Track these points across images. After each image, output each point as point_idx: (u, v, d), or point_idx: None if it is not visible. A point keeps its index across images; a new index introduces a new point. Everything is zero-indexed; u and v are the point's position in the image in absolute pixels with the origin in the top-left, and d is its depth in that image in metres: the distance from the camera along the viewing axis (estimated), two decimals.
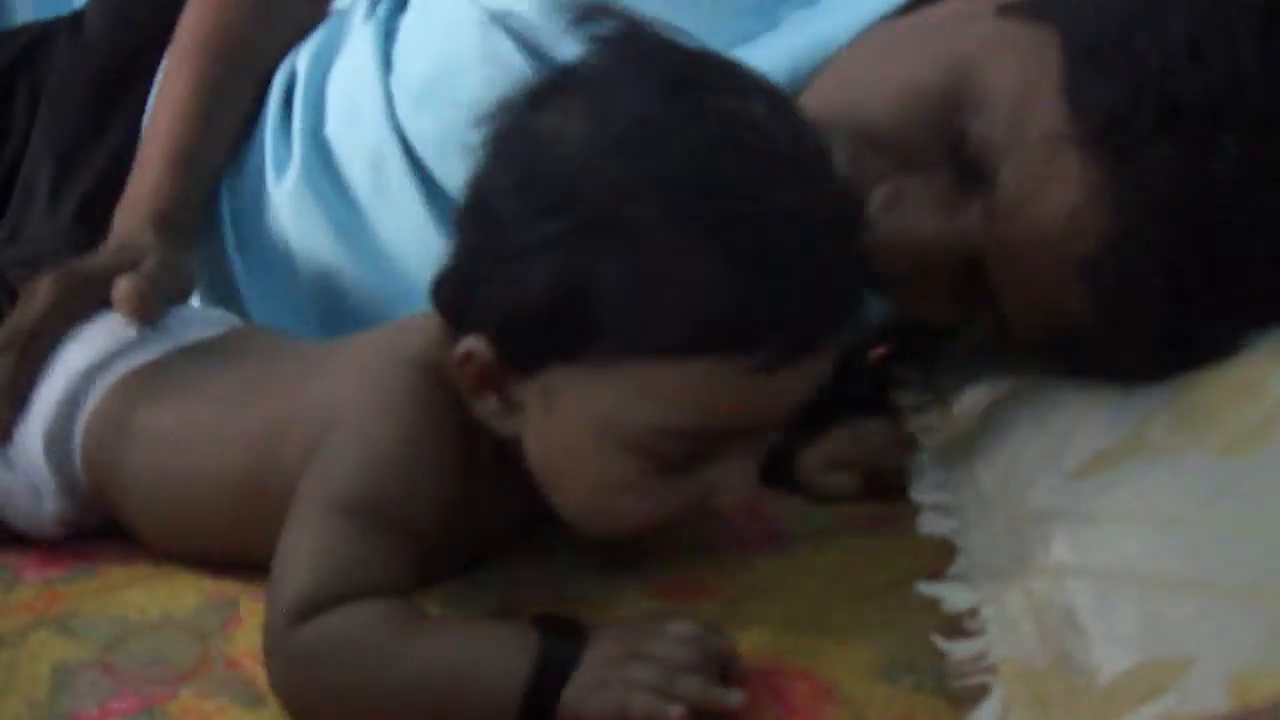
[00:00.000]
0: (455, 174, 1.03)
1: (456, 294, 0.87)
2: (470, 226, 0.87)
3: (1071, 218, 0.92)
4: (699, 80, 0.84)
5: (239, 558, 0.95)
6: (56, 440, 1.02)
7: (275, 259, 1.27)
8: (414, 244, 1.22)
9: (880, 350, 1.33)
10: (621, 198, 0.80)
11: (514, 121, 0.86)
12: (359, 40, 1.28)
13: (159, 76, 1.31)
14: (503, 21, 1.16)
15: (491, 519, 0.94)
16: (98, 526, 1.03)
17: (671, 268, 0.79)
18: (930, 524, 0.96)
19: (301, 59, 1.31)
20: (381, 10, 1.29)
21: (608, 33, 0.86)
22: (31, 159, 1.36)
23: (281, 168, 1.28)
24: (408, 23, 1.26)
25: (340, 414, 0.88)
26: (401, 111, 1.23)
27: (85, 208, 1.30)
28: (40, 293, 1.05)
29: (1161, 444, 0.87)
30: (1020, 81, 0.94)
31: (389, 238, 1.24)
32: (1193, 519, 0.79)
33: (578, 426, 0.84)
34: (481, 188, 0.86)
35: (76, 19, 1.43)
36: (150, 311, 1.05)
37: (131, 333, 1.05)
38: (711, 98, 0.83)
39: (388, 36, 1.27)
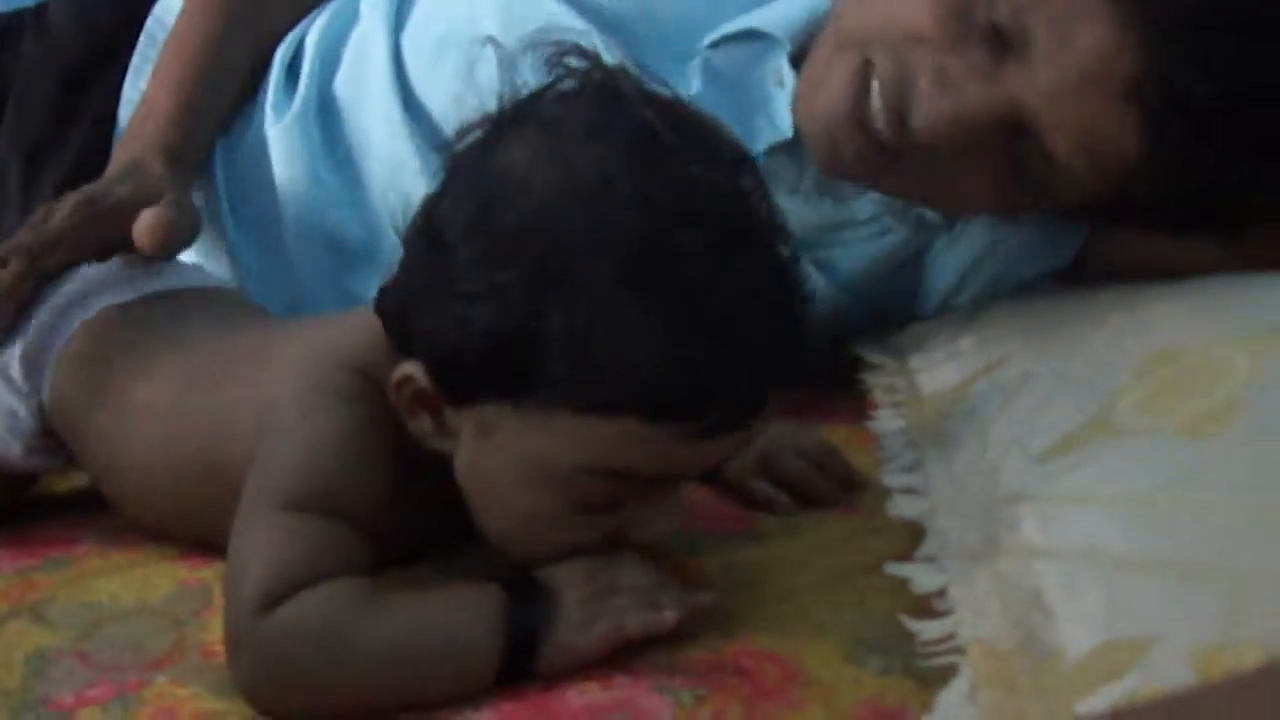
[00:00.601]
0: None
1: (400, 313, 0.88)
2: (421, 251, 0.87)
3: (1107, 48, 1.00)
4: (666, 141, 0.83)
5: (193, 533, 0.97)
6: (33, 365, 1.03)
7: (266, 215, 1.29)
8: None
9: None
10: (574, 255, 0.80)
11: (477, 153, 0.86)
12: (370, 6, 1.31)
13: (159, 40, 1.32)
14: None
15: (437, 510, 0.93)
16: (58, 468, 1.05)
17: (616, 332, 0.79)
18: (900, 507, 0.97)
19: (312, 29, 1.33)
20: None
21: (583, 74, 0.86)
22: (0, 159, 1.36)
23: (280, 111, 1.29)
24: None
25: (278, 414, 0.89)
26: (413, 69, 1.25)
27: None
28: (59, 214, 1.06)
29: (1127, 425, 0.88)
30: None
31: (377, 187, 1.25)
32: (1157, 500, 0.80)
33: (507, 461, 0.85)
34: (437, 215, 0.86)
35: (40, 10, 1.43)
36: (170, 247, 1.07)
37: (114, 266, 1.06)
38: (675, 161, 0.82)
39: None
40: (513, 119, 0.86)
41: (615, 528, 0.87)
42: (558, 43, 0.87)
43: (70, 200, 1.07)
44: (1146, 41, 0.99)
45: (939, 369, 1.14)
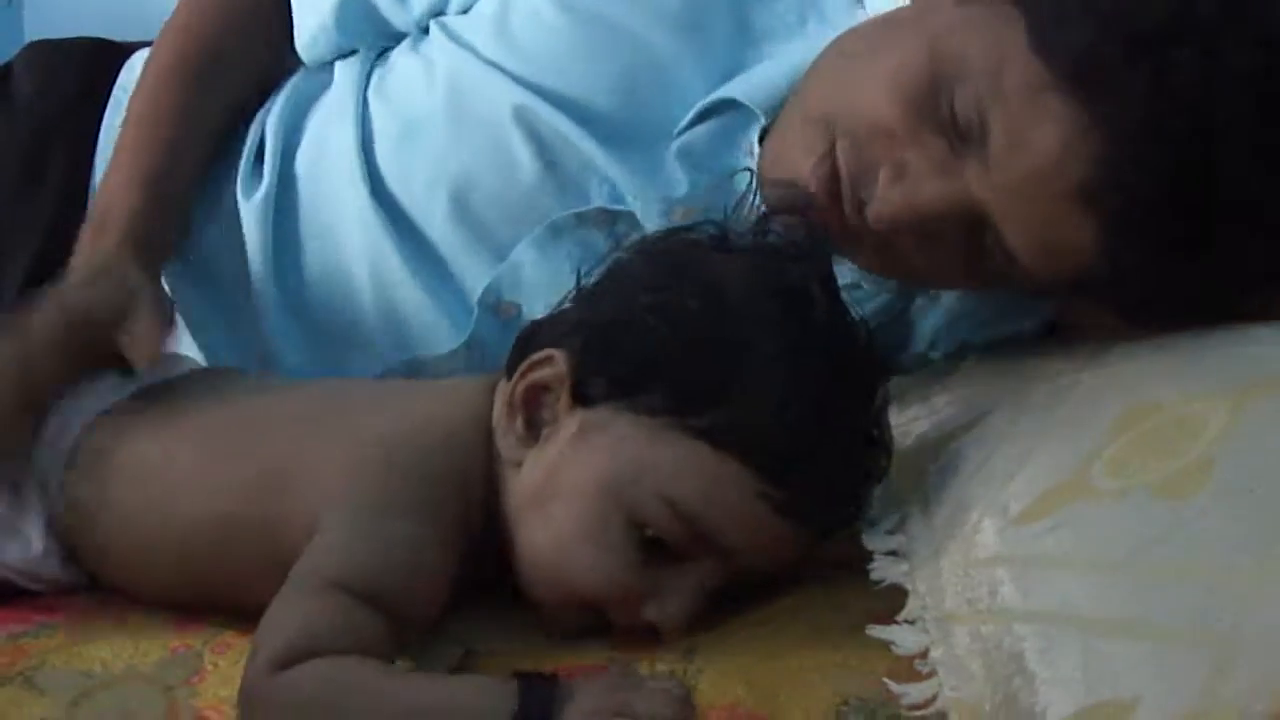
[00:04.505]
0: (435, 213, 1.17)
1: (553, 323, 0.96)
2: (594, 294, 0.98)
3: (1062, 149, 1.01)
4: (828, 290, 0.98)
5: (205, 600, 0.97)
6: (43, 483, 1.03)
7: (237, 289, 1.28)
8: (367, 268, 1.24)
9: None
10: (754, 319, 0.93)
11: (672, 243, 1.00)
12: (340, 87, 1.30)
13: (123, 104, 1.31)
14: (524, 116, 1.21)
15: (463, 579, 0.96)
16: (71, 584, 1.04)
17: (764, 385, 0.91)
18: (882, 570, 0.97)
19: (275, 107, 1.32)
20: (362, 58, 1.31)
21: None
22: None
23: (249, 192, 1.28)
24: (397, 70, 1.29)
25: (350, 494, 0.91)
26: (381, 148, 1.25)
27: (31, 276, 1.28)
28: (44, 336, 1.05)
29: (1103, 486, 0.88)
30: (993, 48, 1.04)
31: (338, 259, 1.25)
32: (1134, 562, 0.81)
33: (594, 466, 0.91)
34: (621, 268, 0.99)
35: (4, 74, 1.42)
36: (159, 355, 1.07)
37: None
38: (849, 312, 0.98)
39: (367, 84, 1.29)
40: (709, 236, 0.99)
41: (640, 591, 0.90)
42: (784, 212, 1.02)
43: (43, 327, 1.06)
44: (1102, 145, 1.00)
45: (915, 427, 1.14)
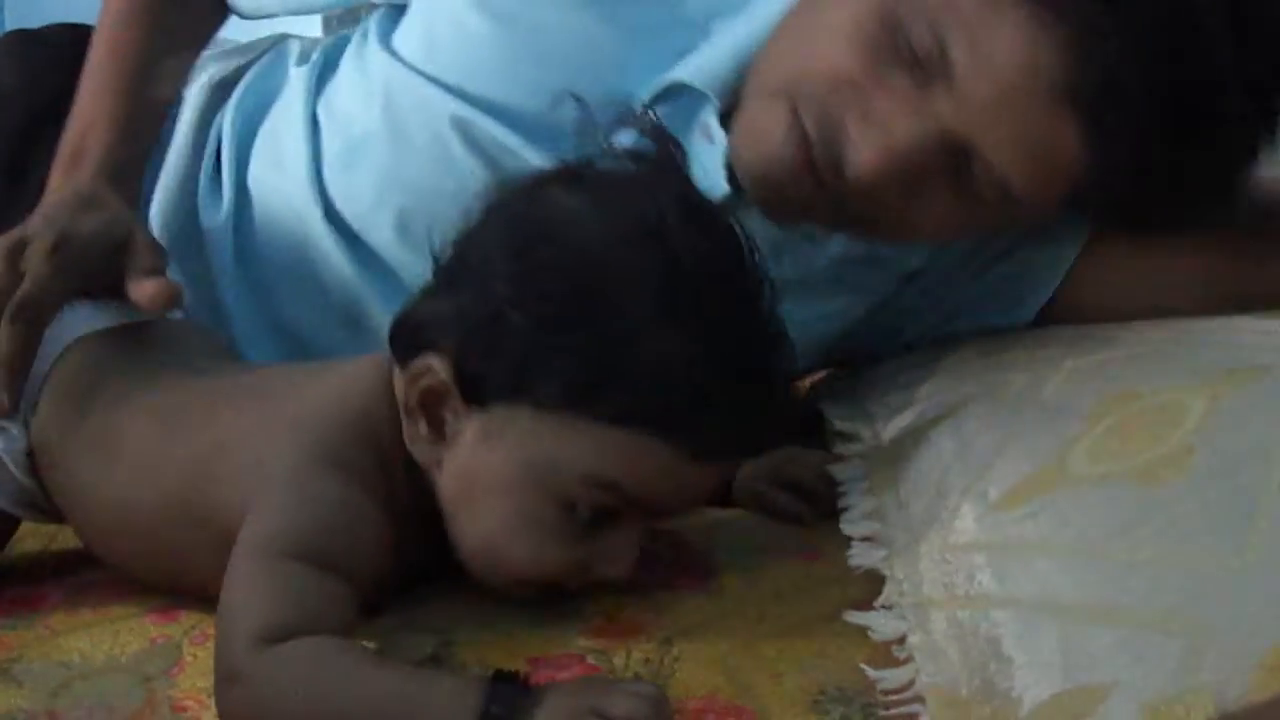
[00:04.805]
0: (382, 229, 1.17)
1: (424, 318, 0.93)
2: (455, 270, 0.93)
3: (1027, 52, 1.00)
4: (697, 204, 0.94)
5: (168, 576, 0.98)
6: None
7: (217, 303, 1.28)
8: (332, 286, 1.24)
9: (810, 380, 1.36)
10: (613, 282, 0.88)
11: (520, 197, 0.94)
12: (292, 94, 1.30)
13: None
14: (462, 128, 1.19)
15: (414, 554, 0.96)
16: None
17: (638, 353, 0.87)
18: (860, 556, 0.98)
19: (230, 108, 1.32)
20: (313, 64, 1.30)
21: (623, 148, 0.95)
22: None
23: (213, 210, 1.29)
24: (341, 83, 1.28)
25: (276, 469, 0.91)
26: (329, 169, 1.25)
27: None
28: (33, 267, 1.03)
29: (1082, 472, 0.89)
30: None
31: (304, 279, 1.25)
32: (1111, 549, 0.81)
33: (511, 465, 0.90)
34: (480, 238, 0.93)
35: None
36: (165, 294, 1.06)
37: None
38: (705, 223, 0.92)
39: (318, 93, 1.28)
40: (555, 177, 0.95)
41: (583, 557, 0.91)
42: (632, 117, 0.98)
43: (39, 249, 1.04)
44: (1067, 38, 0.99)
45: (897, 415, 1.14)
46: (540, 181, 0.96)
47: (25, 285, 1.02)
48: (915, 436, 1.08)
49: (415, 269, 1.08)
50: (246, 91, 1.33)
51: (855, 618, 0.91)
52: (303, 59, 1.33)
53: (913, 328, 1.29)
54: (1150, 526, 0.81)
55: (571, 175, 0.95)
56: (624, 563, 0.93)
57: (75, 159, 1.20)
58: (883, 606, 0.91)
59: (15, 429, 1.03)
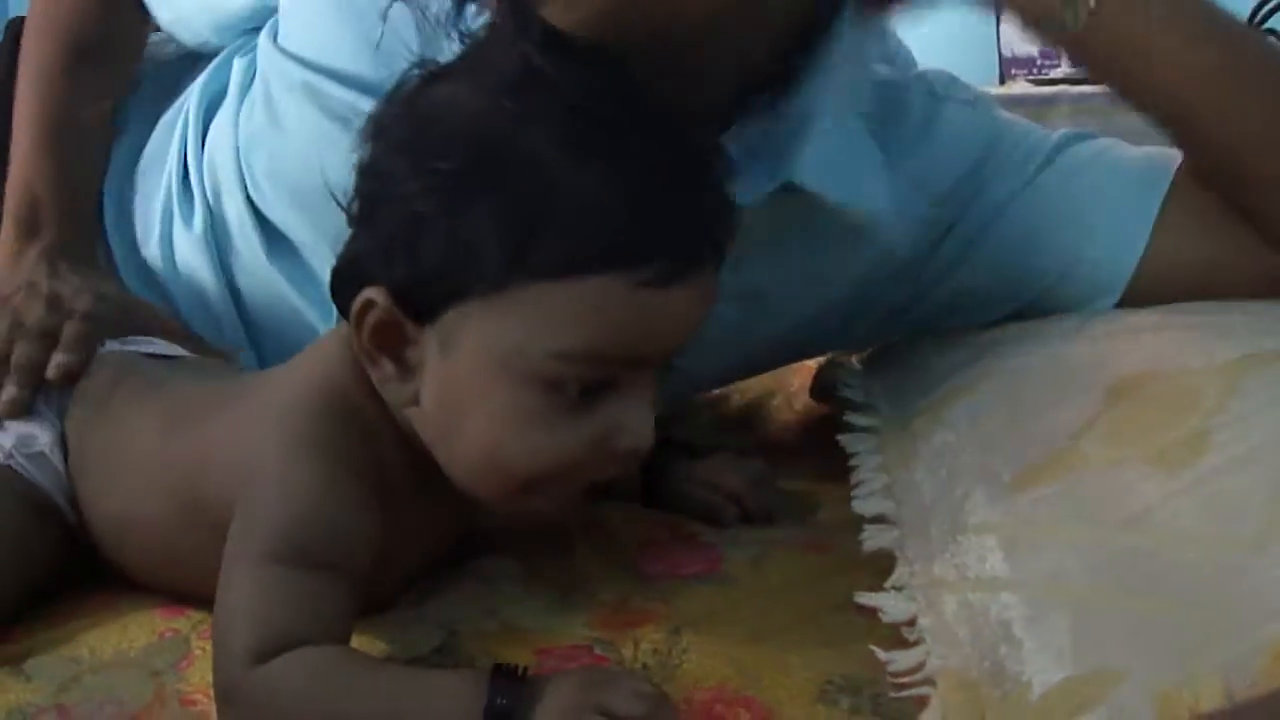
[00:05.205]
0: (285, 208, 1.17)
1: (352, 261, 0.90)
2: (361, 195, 0.90)
3: None
4: (571, 45, 0.89)
5: (176, 578, 0.98)
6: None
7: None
8: (274, 302, 1.25)
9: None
10: (508, 133, 0.84)
11: (401, 100, 0.90)
12: (232, 82, 1.30)
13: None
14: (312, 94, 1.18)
15: (419, 541, 0.96)
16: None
17: (557, 192, 0.83)
18: (872, 539, 0.97)
19: (191, 103, 1.33)
20: (239, 73, 1.30)
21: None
22: None
23: (188, 220, 1.29)
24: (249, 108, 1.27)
25: (255, 466, 0.90)
26: (245, 156, 1.25)
27: None
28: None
29: (1096, 456, 0.88)
30: None
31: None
32: (1124, 533, 0.81)
33: (478, 365, 0.86)
34: (372, 159, 0.90)
35: None
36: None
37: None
38: (587, 50, 0.89)
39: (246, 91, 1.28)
40: (430, 76, 0.91)
41: (594, 434, 0.87)
42: None
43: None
44: None
45: (911, 390, 1.14)
46: (405, 91, 0.91)
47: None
48: (930, 414, 1.07)
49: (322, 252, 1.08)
50: (201, 94, 1.33)
51: (866, 599, 0.90)
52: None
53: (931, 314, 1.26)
54: (1164, 512, 0.80)
55: (431, 73, 0.91)
56: (641, 430, 0.88)
57: (33, 223, 1.23)
58: (893, 587, 0.90)
59: (52, 420, 1.05)
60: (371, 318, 0.88)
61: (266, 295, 1.26)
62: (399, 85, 0.91)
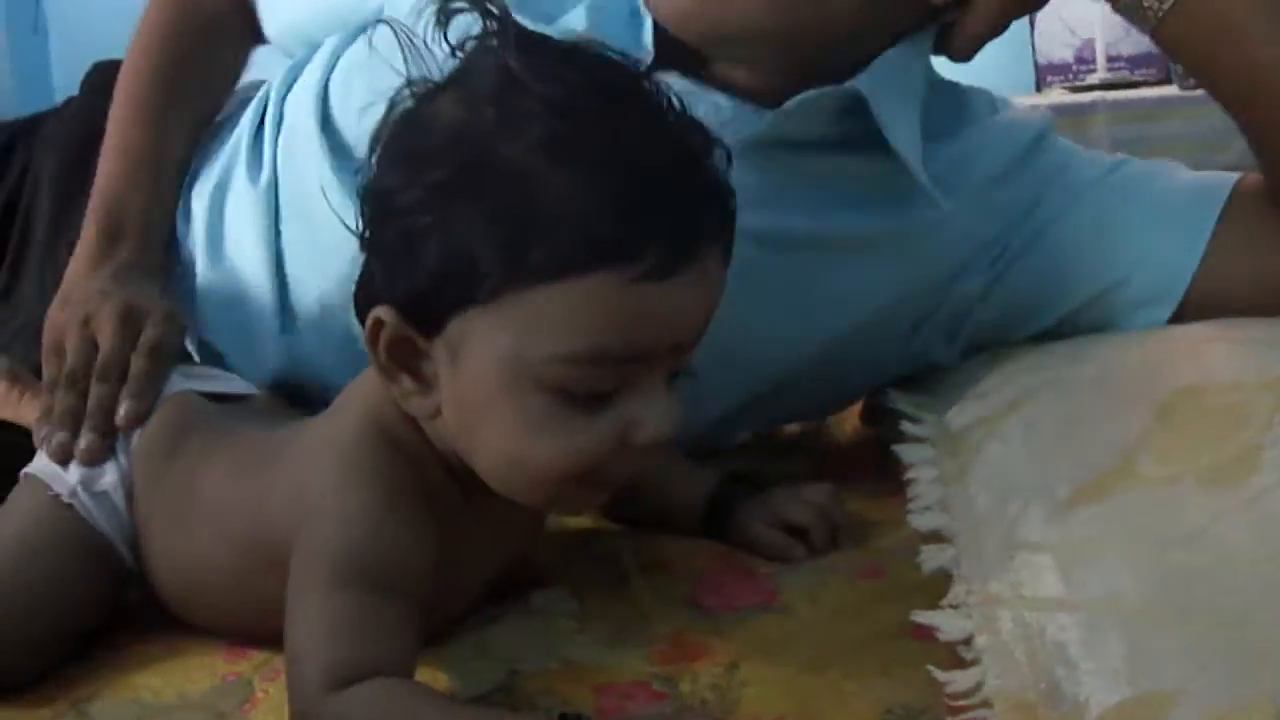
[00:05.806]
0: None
1: (365, 283, 0.92)
2: (365, 217, 0.91)
3: None
4: (559, 48, 0.90)
5: (244, 622, 0.98)
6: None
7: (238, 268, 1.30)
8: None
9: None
10: (490, 141, 0.85)
11: (394, 119, 0.91)
12: (312, 66, 1.32)
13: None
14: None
15: (471, 567, 0.97)
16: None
17: (542, 194, 0.84)
18: (930, 559, 0.96)
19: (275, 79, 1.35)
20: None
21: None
22: (30, 206, 1.41)
23: (255, 177, 1.30)
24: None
25: (313, 499, 0.91)
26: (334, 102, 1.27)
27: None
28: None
29: (1150, 474, 0.88)
30: None
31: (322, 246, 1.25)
32: (1178, 553, 0.81)
33: (484, 373, 0.87)
34: (371, 180, 0.91)
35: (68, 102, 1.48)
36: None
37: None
38: (566, 49, 0.90)
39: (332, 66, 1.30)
40: (410, 96, 0.91)
41: (613, 431, 0.87)
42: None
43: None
44: None
45: (966, 403, 1.13)
46: (398, 109, 0.92)
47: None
48: (985, 427, 1.07)
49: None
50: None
51: (923, 617, 0.89)
52: None
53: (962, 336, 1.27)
54: (1218, 531, 0.80)
55: (417, 92, 0.91)
56: (658, 423, 0.88)
57: (113, 235, 1.26)
58: (949, 605, 0.90)
59: (117, 459, 1.06)
60: (384, 336, 0.89)
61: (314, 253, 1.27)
62: (392, 104, 0.91)
